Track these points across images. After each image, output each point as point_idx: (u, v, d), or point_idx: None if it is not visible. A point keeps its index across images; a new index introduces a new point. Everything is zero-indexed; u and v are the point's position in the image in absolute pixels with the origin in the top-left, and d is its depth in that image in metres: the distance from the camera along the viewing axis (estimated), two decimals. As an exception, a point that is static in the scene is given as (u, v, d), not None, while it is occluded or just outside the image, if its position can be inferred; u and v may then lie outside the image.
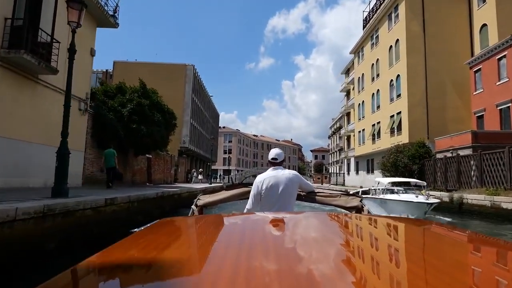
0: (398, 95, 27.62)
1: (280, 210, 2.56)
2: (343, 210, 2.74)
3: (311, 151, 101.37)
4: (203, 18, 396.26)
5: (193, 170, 40.36)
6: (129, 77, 43.22)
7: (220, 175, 78.28)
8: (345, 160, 45.69)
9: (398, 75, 27.69)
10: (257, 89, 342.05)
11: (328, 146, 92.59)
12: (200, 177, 36.66)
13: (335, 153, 62.00)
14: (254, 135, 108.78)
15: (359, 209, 2.73)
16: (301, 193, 2.94)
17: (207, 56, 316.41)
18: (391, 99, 29.07)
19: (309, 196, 2.96)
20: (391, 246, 1.10)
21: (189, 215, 2.68)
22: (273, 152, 2.96)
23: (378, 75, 32.37)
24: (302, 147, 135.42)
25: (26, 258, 5.32)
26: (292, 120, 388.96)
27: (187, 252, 0.99)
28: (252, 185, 2.89)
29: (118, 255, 0.93)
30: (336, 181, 46.47)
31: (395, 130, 27.88)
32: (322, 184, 53.53)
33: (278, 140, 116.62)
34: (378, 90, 32.23)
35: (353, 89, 42.60)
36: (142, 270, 0.80)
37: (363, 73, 36.97)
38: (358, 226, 1.46)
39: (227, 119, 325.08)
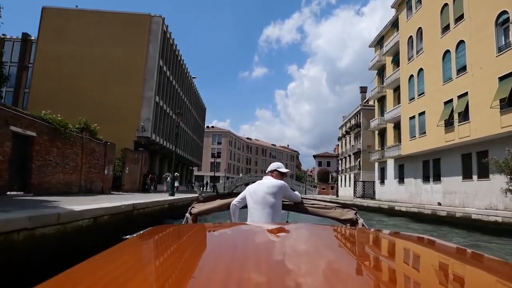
0: (526, 34, 14.68)
1: (262, 220, 2.55)
2: (337, 223, 2.68)
3: (314, 156, 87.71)
4: (196, 26, 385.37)
5: (167, 173, 28.49)
6: (67, 32, 29.56)
7: (206, 183, 64.26)
8: (377, 163, 32.52)
9: (525, -2, 14.81)
10: (250, 98, 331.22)
11: (335, 151, 79.36)
12: (176, 184, 24.85)
13: (348, 157, 48.75)
14: (248, 138, 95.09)
15: (353, 222, 2.62)
16: (290, 203, 2.88)
17: (200, 64, 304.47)
18: (501, 49, 16.13)
19: (303, 207, 2.88)
20: (386, 261, 1.07)
21: (183, 223, 2.64)
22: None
23: (459, 19, 19.48)
24: (299, 154, 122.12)
25: None
26: (285, 129, 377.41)
27: (177, 261, 0.95)
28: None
29: (108, 261, 0.92)
30: (364, 193, 33.05)
31: (517, 101, 14.88)
32: (337, 196, 40.29)
33: (274, 145, 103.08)
34: (459, 42, 19.30)
35: (393, 62, 29.79)
36: (130, 278, 0.77)
37: (419, 28, 24.11)
38: (352, 239, 1.42)
39: (219, 127, 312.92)
